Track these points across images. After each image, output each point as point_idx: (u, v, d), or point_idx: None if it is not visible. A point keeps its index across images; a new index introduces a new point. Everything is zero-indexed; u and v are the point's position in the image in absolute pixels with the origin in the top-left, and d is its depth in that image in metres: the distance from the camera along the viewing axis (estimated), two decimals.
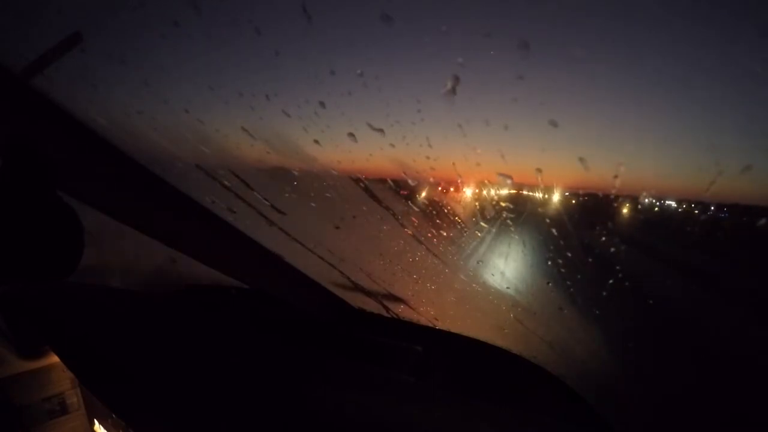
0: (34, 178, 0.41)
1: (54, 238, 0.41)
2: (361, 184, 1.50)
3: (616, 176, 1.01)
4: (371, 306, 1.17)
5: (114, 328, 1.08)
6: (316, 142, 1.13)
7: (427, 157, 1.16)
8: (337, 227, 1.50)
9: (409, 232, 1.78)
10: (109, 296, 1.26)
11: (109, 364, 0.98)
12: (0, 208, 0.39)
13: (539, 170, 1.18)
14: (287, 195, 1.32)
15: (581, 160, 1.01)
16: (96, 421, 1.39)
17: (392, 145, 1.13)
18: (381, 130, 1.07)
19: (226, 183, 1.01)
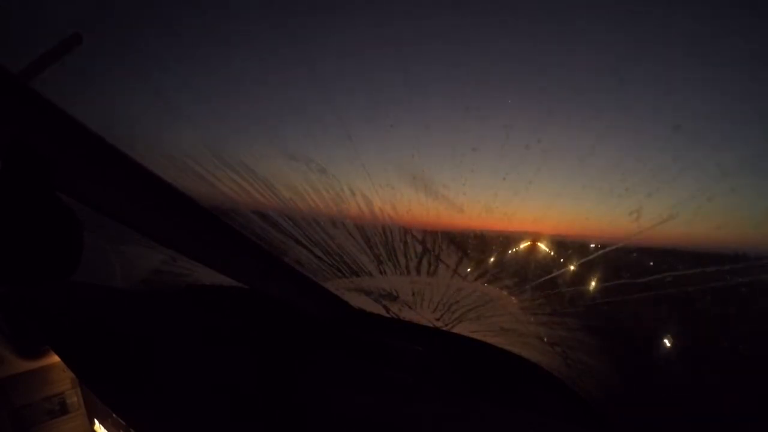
0: (34, 180, 0.41)
1: (53, 240, 0.41)
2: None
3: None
4: (371, 306, 1.16)
5: (114, 329, 1.08)
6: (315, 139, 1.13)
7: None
8: (337, 227, 1.49)
9: (410, 232, 1.78)
10: (109, 296, 1.26)
11: (109, 364, 0.98)
12: None
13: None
14: (286, 194, 1.32)
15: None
16: (96, 421, 1.39)
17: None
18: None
19: (225, 182, 1.01)
